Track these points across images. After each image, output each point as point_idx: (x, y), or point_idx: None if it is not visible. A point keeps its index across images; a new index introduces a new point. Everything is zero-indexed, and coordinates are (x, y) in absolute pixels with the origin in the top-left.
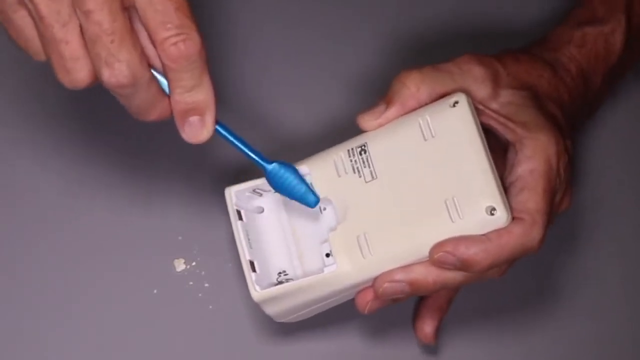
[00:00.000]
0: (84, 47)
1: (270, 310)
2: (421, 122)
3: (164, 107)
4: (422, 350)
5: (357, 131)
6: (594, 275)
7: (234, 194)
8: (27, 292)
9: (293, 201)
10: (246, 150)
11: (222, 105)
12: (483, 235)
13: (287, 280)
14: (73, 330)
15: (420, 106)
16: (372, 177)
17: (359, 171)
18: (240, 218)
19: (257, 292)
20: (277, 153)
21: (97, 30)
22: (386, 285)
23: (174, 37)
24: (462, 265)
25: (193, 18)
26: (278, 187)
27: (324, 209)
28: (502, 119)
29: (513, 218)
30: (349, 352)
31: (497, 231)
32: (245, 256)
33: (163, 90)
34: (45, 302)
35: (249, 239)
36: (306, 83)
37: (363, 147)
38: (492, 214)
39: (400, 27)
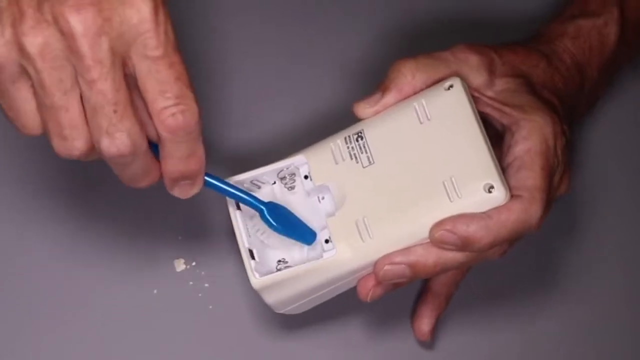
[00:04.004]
0: (83, 115)
1: (270, 298)
2: (417, 106)
3: (156, 173)
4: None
5: (355, 122)
6: (594, 266)
7: None
8: (27, 292)
9: (291, 192)
10: (240, 194)
11: (220, 103)
12: (483, 213)
13: (287, 268)
14: (73, 330)
15: (416, 93)
16: (370, 162)
17: (356, 157)
18: (239, 208)
19: (256, 279)
20: (274, 146)
21: (101, 100)
22: (386, 268)
23: (173, 108)
24: (463, 243)
25: (192, 87)
26: (277, 223)
27: (322, 198)
28: (497, 105)
29: (512, 196)
30: (351, 349)
31: (497, 208)
32: (244, 244)
33: (155, 157)
34: (45, 302)
35: (247, 229)
36: (302, 75)
37: (360, 134)
38: (490, 192)
39: (396, 18)
